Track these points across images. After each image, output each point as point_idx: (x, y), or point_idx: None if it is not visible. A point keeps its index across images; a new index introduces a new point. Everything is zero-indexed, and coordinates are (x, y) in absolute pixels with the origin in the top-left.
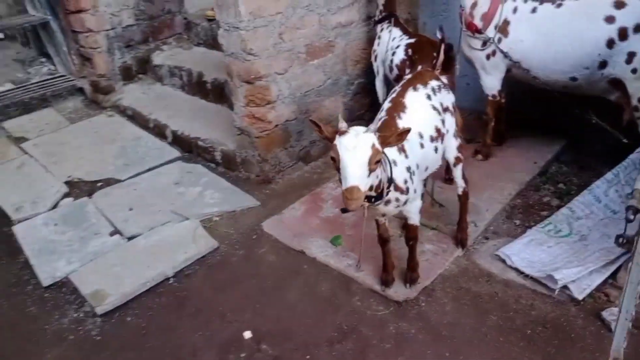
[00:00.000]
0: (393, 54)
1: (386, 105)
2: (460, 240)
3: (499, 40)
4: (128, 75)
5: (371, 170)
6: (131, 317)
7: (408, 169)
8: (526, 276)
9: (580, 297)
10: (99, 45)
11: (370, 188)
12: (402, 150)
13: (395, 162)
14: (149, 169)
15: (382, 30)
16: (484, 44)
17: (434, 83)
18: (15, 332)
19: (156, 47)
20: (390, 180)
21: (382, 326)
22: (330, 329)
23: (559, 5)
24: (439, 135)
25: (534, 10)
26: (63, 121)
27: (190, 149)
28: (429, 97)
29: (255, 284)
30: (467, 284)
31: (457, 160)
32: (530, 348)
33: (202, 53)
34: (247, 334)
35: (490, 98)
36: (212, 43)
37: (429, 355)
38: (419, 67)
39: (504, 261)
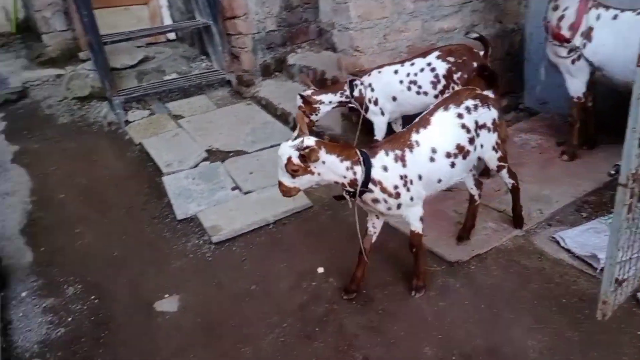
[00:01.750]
0: (425, 70)
1: (417, 119)
2: (516, 224)
3: (584, 45)
4: (267, 72)
5: (293, 175)
6: (236, 248)
7: (403, 177)
8: (577, 257)
9: (620, 278)
10: (246, 46)
11: (349, 185)
12: (400, 159)
13: (385, 168)
14: (271, 146)
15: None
16: (570, 51)
17: (469, 102)
18: (153, 248)
19: (292, 50)
20: (367, 181)
21: (431, 278)
22: (385, 274)
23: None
24: (461, 152)
25: (615, 17)
26: (211, 105)
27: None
28: (459, 116)
29: (334, 236)
30: (518, 258)
31: (500, 167)
32: (560, 312)
33: (328, 56)
34: (320, 270)
35: (575, 100)
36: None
37: (467, 305)
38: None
39: (558, 243)
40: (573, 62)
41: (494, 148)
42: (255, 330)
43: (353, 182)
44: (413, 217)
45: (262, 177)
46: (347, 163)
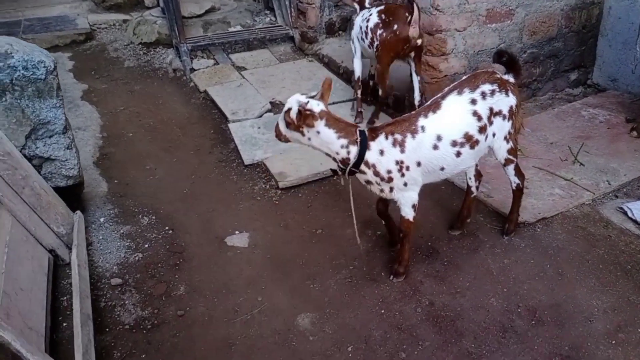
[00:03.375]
0: (367, 20)
1: (429, 101)
2: (507, 229)
3: None
4: (331, 30)
5: (287, 123)
6: (302, 194)
7: (398, 162)
8: None
9: None
10: (314, 2)
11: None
12: (399, 144)
13: (382, 152)
14: (334, 102)
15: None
16: None
17: (486, 87)
18: (221, 189)
19: None
20: (359, 163)
21: (497, 237)
22: (450, 233)
23: None
24: (468, 141)
25: None
26: (274, 60)
27: (367, 92)
28: (473, 101)
29: None
30: (584, 224)
31: (507, 161)
32: (625, 277)
33: None
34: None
35: None
36: None
37: (532, 263)
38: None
39: (625, 213)
40: None
41: (505, 138)
42: (322, 269)
43: (345, 161)
44: (405, 203)
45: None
46: (344, 141)
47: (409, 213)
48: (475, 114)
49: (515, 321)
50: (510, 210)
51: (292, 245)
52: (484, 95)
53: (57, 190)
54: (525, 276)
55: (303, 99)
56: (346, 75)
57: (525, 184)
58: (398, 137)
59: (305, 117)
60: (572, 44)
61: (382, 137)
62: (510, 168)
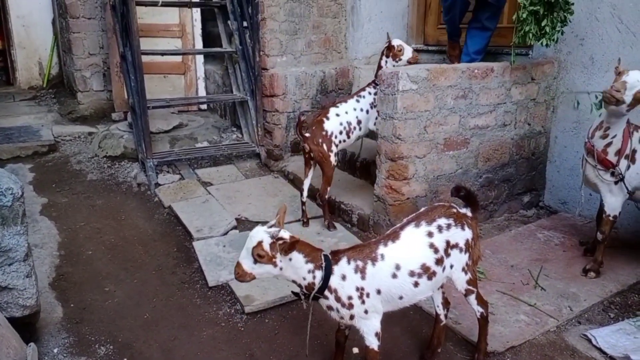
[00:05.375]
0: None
1: (389, 230)
2: (476, 358)
3: (628, 167)
4: (296, 148)
5: (256, 260)
6: (268, 320)
7: (359, 289)
8: (608, 357)
9: None
10: (280, 123)
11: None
12: (360, 270)
13: (344, 277)
14: (298, 220)
15: None
16: (613, 174)
17: (442, 221)
18: (184, 314)
19: None
20: (323, 288)
21: None
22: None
23: None
24: (426, 272)
25: None
26: (240, 176)
27: (333, 210)
28: (430, 234)
29: None
30: (551, 353)
31: (468, 291)
32: None
33: (358, 140)
34: (355, 350)
35: (610, 219)
36: (367, 135)
37: None
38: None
39: (590, 341)
40: (616, 182)
41: (463, 269)
42: None
43: (310, 286)
44: (367, 331)
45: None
46: (310, 266)
47: (373, 342)
48: (432, 246)
49: None
50: (478, 339)
51: None
52: (440, 228)
53: (11, 320)
54: None
55: (268, 229)
56: (311, 193)
57: (490, 309)
58: (360, 263)
59: (282, 246)
60: (523, 169)
61: (344, 261)
62: (472, 298)
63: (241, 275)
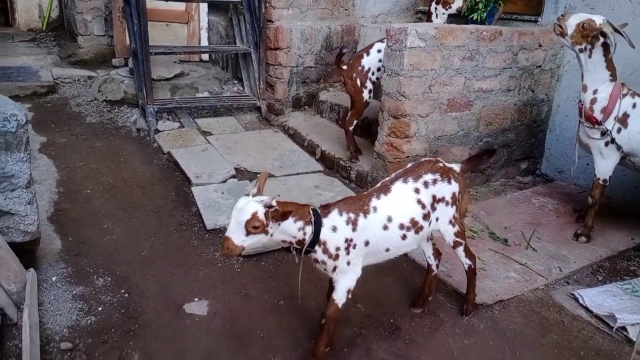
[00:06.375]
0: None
1: (379, 184)
2: (465, 310)
3: (619, 130)
4: (297, 104)
5: (249, 232)
6: (264, 263)
7: (348, 240)
8: (594, 316)
9: (635, 339)
10: (283, 77)
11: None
12: (352, 222)
13: (335, 229)
14: (297, 174)
15: None
16: (603, 133)
17: (429, 176)
18: (181, 253)
19: (324, 87)
20: (314, 242)
21: (457, 317)
22: (412, 310)
23: None
24: (414, 226)
25: None
26: (240, 128)
27: (332, 166)
28: (417, 190)
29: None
30: (539, 309)
31: (456, 243)
32: None
33: None
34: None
35: (600, 182)
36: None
37: (491, 345)
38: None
39: (577, 300)
40: (606, 144)
41: (450, 222)
42: (283, 342)
43: (301, 242)
44: (342, 285)
45: (289, 200)
46: (300, 223)
47: (341, 298)
48: (419, 202)
49: None
50: (467, 291)
51: (252, 316)
52: (426, 184)
53: (12, 245)
54: (485, 358)
55: (258, 198)
56: (310, 148)
57: (482, 265)
58: (352, 215)
59: (275, 213)
60: (523, 136)
61: (335, 213)
62: (460, 250)
63: (231, 250)
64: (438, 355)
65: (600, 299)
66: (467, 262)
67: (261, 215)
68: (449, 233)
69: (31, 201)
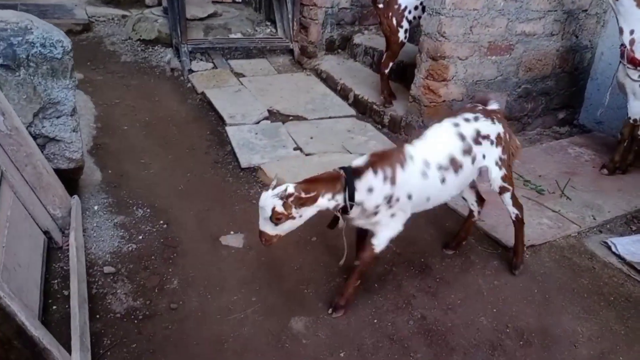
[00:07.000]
0: None
1: (416, 133)
2: (514, 263)
3: None
4: (331, 47)
5: (277, 223)
6: None
7: (387, 197)
8: (625, 263)
9: None
10: (317, 18)
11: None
12: (389, 179)
13: (371, 189)
14: (330, 117)
15: None
16: None
17: (468, 114)
18: (217, 189)
19: (359, 30)
20: (351, 202)
21: (488, 259)
22: (444, 251)
23: None
24: (454, 165)
25: None
26: (272, 70)
27: (364, 110)
28: (456, 125)
29: None
30: (570, 255)
31: (502, 189)
32: (608, 307)
33: None
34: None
35: (631, 122)
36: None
37: (521, 287)
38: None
39: (609, 248)
40: None
41: (497, 163)
42: (316, 275)
43: (336, 207)
44: (384, 235)
45: (322, 142)
46: (328, 195)
47: (381, 244)
48: (460, 135)
49: (504, 340)
50: (515, 243)
51: (286, 250)
52: (467, 120)
53: (57, 172)
54: (514, 299)
55: (274, 192)
56: (343, 92)
57: None
58: (388, 171)
59: (295, 201)
60: (563, 84)
61: (369, 174)
62: (507, 197)
63: (268, 240)
64: (468, 294)
65: (633, 247)
66: (514, 211)
67: (280, 208)
68: (494, 175)
69: (76, 129)
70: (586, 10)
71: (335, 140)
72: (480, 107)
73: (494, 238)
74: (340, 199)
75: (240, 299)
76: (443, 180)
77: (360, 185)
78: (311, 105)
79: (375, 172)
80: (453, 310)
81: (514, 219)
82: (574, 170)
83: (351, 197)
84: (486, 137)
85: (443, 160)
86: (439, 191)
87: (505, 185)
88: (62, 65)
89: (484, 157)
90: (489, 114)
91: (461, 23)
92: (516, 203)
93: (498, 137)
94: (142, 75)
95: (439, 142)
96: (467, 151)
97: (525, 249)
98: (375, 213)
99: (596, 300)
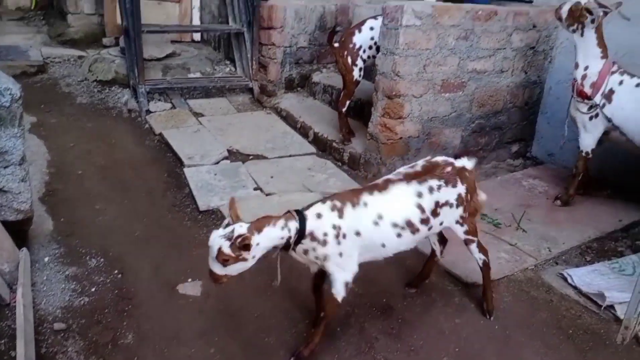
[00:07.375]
0: None
1: (381, 179)
2: (486, 309)
3: (603, 105)
4: (290, 85)
5: (224, 264)
6: None
7: (336, 226)
8: (582, 295)
9: (622, 317)
10: (276, 57)
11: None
12: (337, 210)
13: (319, 215)
14: (290, 155)
15: None
16: (590, 108)
17: (433, 182)
18: (174, 234)
19: (317, 69)
20: (302, 233)
21: (449, 297)
22: (406, 290)
23: None
24: (410, 227)
25: (638, 85)
26: (232, 109)
27: (325, 148)
28: (419, 195)
29: None
30: (528, 289)
31: (468, 241)
32: (567, 341)
33: None
34: None
35: (583, 154)
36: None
37: (481, 324)
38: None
39: (565, 279)
40: (591, 118)
41: (457, 222)
42: (277, 322)
43: (289, 239)
44: (338, 279)
45: (282, 181)
46: (281, 222)
47: (340, 292)
48: (419, 206)
49: None
50: (483, 290)
51: (246, 297)
52: (431, 190)
53: (4, 224)
54: (475, 337)
55: (223, 232)
56: (303, 130)
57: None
58: (337, 203)
59: (243, 244)
60: (515, 118)
61: (318, 204)
62: (473, 247)
63: (217, 279)
64: (430, 334)
65: (588, 278)
66: (480, 257)
67: (226, 249)
68: (458, 232)
69: (24, 178)
70: (534, 48)
71: (295, 179)
72: (449, 169)
73: (455, 275)
74: (292, 227)
75: (198, 351)
76: (399, 236)
77: (310, 213)
78: (271, 144)
79: (323, 202)
80: (416, 352)
81: (481, 264)
82: (529, 203)
83: (302, 226)
84: (445, 204)
85: (399, 220)
86: (397, 243)
87: (470, 237)
88: (10, 113)
89: (441, 223)
90: (454, 177)
91: (414, 62)
92: (482, 249)
93: (459, 198)
94: (98, 117)
95: (398, 202)
96: (425, 221)
97: (492, 294)
98: (324, 242)
99: (555, 334)
